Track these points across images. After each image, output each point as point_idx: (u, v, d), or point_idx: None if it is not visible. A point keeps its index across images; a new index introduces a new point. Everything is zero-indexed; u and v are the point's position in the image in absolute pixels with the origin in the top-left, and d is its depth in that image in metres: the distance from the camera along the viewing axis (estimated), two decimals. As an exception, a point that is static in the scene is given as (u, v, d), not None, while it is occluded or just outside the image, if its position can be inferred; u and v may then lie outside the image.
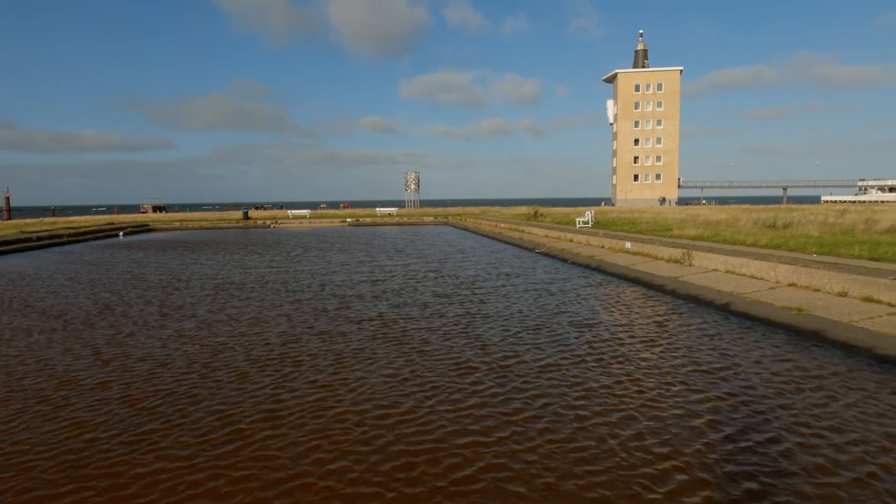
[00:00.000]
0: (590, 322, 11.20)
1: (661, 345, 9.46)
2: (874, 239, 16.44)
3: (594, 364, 8.40)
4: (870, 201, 78.80)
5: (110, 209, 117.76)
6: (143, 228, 49.55)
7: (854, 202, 76.34)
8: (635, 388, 7.30)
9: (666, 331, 10.42)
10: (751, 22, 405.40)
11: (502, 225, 39.22)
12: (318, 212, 72.36)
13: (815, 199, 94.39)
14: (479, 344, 9.59)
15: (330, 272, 19.14)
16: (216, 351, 9.35)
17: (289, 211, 66.54)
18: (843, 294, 11.06)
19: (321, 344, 9.73)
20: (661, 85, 77.98)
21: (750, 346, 9.25)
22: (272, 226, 53.76)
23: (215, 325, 11.33)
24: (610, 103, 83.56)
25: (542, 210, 50.12)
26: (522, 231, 34.07)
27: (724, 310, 11.96)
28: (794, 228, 20.76)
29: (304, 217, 60.30)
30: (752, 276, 13.71)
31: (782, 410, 6.49)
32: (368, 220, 58.21)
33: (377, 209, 68.02)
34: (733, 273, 14.37)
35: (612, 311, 12.23)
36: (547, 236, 29.52)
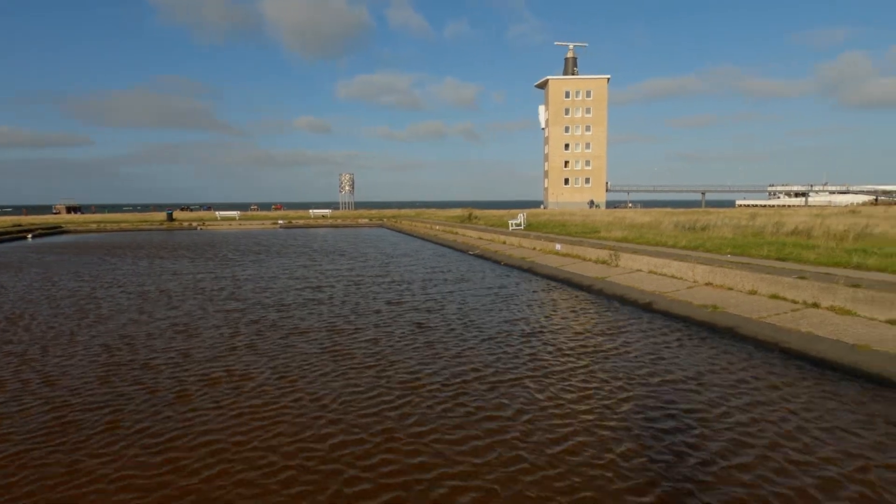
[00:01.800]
0: (534, 330, 11.40)
1: (596, 350, 9.80)
2: (781, 240, 17.69)
3: (541, 373, 8.55)
4: (778, 205, 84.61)
5: (17, 210, 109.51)
6: (55, 230, 46.42)
7: (765, 206, 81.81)
8: (582, 396, 7.50)
9: (596, 333, 10.81)
10: (681, 33, 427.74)
11: (437, 227, 39.42)
12: (249, 213, 70.22)
13: (731, 203, 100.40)
14: (431, 353, 9.42)
15: (269, 277, 18.45)
16: (145, 368, 8.62)
17: (217, 212, 64.20)
18: (754, 292, 11.85)
19: (263, 359, 9.03)
20: (589, 92, 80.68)
21: (673, 344, 9.77)
22: (199, 228, 51.70)
23: (143, 338, 10.63)
24: (542, 108, 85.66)
25: (476, 212, 50.71)
26: (457, 233, 34.38)
27: (648, 309, 12.55)
28: (711, 231, 22.01)
29: (232, 219, 58.37)
30: (672, 276, 14.45)
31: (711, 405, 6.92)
32: (301, 221, 57.03)
33: (310, 211, 66.82)
34: (656, 273, 15.09)
35: (549, 316, 12.55)
36: (481, 238, 29.93)
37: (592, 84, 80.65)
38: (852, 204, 73.23)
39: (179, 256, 25.72)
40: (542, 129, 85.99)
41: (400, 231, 45.99)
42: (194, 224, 53.42)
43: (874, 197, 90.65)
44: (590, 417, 6.53)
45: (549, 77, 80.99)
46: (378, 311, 12.66)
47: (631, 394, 7.28)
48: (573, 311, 12.59)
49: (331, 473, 5.33)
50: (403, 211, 73.92)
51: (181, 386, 7.76)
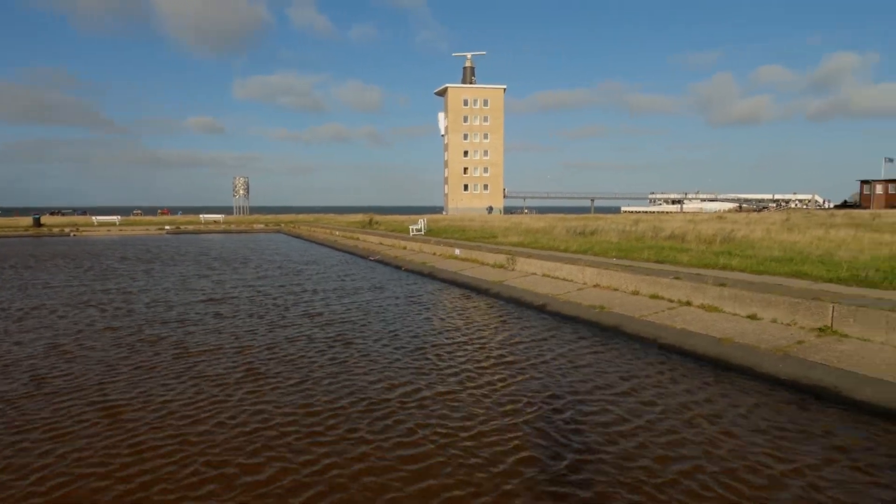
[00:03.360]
0: (442, 340, 11.50)
1: (503, 359, 10.11)
2: (660, 244, 19.24)
3: (456, 380, 8.65)
4: (658, 212, 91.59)
5: None
6: None
7: (646, 212, 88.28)
8: (496, 403, 7.67)
9: (497, 338, 11.17)
10: (574, 48, 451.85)
11: (337, 233, 38.88)
12: (132, 218, 65.44)
13: (617, 209, 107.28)
14: (348, 370, 9.27)
15: (164, 289, 16.93)
16: (21, 398, 7.47)
17: (94, 217, 59.16)
18: (636, 293, 12.81)
19: (169, 382, 8.03)
20: (487, 101, 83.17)
21: (565, 344, 10.35)
22: (73, 234, 47.42)
23: (7, 363, 9.43)
24: (441, 116, 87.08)
25: (377, 218, 50.53)
26: (358, 239, 34.10)
27: (542, 310, 13.18)
28: (599, 235, 23.46)
29: (112, 224, 54.12)
30: (564, 279, 15.26)
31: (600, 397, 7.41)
32: (191, 227, 54.03)
33: (201, 216, 63.45)
34: (549, 276, 15.86)
35: (453, 322, 12.76)
36: (381, 244, 29.91)
37: (489, 93, 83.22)
38: (720, 210, 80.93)
39: (54, 267, 23.36)
40: (442, 135, 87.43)
41: (299, 237, 44.84)
42: (67, 230, 48.87)
43: (738, 204, 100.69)
44: (505, 423, 6.57)
45: (448, 85, 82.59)
46: (290, 325, 11.92)
47: (535, 398, 7.59)
48: (478, 316, 12.95)
49: None
50: (301, 216, 72.08)
51: (64, 420, 6.72)
